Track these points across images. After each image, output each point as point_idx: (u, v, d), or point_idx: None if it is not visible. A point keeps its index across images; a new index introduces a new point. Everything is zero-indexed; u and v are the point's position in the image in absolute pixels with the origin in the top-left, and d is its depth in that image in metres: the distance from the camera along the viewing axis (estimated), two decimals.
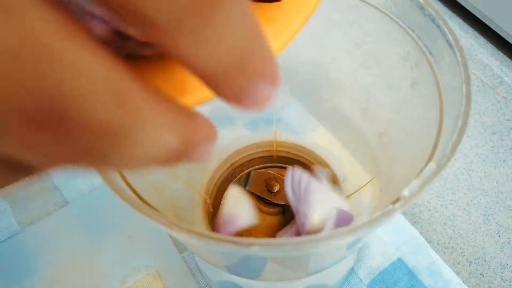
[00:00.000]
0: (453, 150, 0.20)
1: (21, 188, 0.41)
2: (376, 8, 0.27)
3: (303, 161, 0.36)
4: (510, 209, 0.41)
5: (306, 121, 0.38)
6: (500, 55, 0.53)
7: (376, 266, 0.37)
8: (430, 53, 0.25)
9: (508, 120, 0.47)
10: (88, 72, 0.08)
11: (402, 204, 0.19)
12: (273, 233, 0.32)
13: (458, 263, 0.38)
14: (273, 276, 0.28)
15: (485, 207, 0.41)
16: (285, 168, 0.36)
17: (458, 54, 0.23)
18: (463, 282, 0.36)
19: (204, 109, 0.38)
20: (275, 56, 0.10)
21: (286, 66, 0.35)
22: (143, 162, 0.09)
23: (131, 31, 0.11)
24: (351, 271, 0.37)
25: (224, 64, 0.09)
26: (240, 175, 0.36)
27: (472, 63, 0.53)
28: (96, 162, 0.08)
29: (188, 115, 0.10)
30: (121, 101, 0.08)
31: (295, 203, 0.28)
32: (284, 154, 0.37)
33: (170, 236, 0.38)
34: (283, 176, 0.31)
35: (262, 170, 0.36)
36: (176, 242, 0.38)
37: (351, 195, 0.33)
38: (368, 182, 0.32)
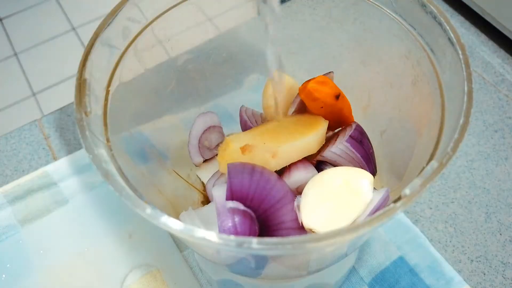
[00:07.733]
0: (455, 149, 0.20)
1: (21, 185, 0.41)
2: (377, 5, 0.27)
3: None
4: (511, 207, 0.41)
5: None
6: (502, 52, 0.53)
7: (377, 264, 0.37)
8: (432, 50, 0.25)
9: (510, 118, 0.47)
10: None
11: (404, 202, 0.18)
12: None
13: (460, 262, 0.38)
14: (274, 275, 0.28)
15: (487, 205, 0.41)
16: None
17: (459, 52, 0.22)
18: (465, 280, 0.36)
19: (205, 108, 0.38)
20: None
21: (286, 66, 0.35)
22: None
23: None
24: (352, 270, 0.37)
25: None
26: None
27: (473, 61, 0.53)
28: None
29: None
30: None
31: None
32: None
33: (171, 235, 0.38)
34: None
35: None
36: (176, 241, 0.38)
37: None
38: None
